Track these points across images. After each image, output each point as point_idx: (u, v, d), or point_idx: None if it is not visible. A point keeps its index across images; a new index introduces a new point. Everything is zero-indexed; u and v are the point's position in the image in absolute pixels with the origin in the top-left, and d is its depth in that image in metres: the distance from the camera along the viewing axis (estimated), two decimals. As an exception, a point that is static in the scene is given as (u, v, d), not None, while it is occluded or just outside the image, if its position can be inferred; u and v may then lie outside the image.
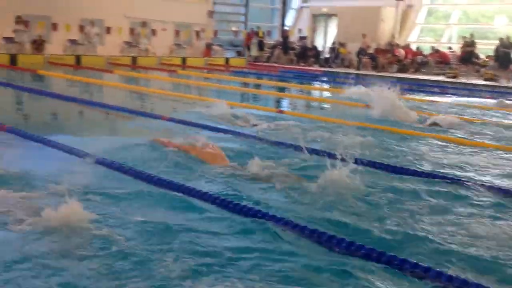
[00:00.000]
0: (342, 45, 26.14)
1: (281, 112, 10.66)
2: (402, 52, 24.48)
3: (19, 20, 21.59)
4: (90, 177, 5.42)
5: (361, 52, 25.16)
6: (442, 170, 6.43)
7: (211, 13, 28.55)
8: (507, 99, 14.63)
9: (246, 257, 3.75)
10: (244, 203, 4.72)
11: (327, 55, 27.40)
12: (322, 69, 25.11)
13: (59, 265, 3.49)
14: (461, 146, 8.11)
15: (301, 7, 31.97)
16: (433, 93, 17.00)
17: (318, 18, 30.15)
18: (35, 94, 12.12)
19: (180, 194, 4.95)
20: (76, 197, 4.23)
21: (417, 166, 6.63)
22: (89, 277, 3.37)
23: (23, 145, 6.84)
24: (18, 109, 11.26)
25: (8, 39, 21.51)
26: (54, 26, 22.16)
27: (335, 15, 28.56)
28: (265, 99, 12.92)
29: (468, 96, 16.74)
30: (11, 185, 4.93)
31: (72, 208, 4.11)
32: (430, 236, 4.28)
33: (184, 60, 25.69)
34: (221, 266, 3.59)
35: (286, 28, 31.02)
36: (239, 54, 29.78)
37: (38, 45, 22.07)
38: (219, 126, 8.39)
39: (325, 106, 12.41)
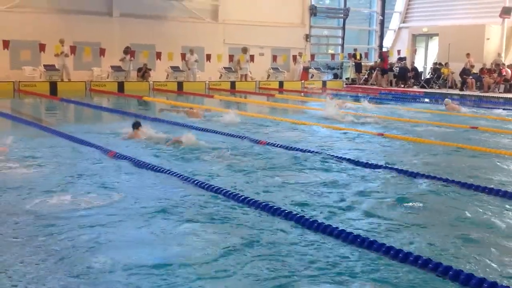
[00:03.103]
0: (444, 65, 25.22)
1: (382, 135, 10.38)
2: (509, 71, 23.21)
3: (126, 50, 22.82)
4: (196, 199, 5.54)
5: (465, 72, 24.13)
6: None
7: (307, 37, 28.68)
8: None
9: None
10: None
11: (428, 76, 26.56)
12: (423, 90, 24.34)
13: None
14: None
15: (400, 28, 31.33)
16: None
17: (418, 38, 29.36)
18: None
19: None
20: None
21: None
22: None
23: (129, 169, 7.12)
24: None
25: (116, 68, 22.79)
26: (158, 55, 23.21)
27: (436, 34, 27.68)
28: (365, 122, 12.66)
29: None
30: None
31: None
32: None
33: (281, 84, 25.92)
34: None
35: (384, 49, 30.48)
36: (336, 76, 29.61)
37: (143, 73, 23.18)
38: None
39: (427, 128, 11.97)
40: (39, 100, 18.68)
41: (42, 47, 21.13)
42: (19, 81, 20.66)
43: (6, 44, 20.49)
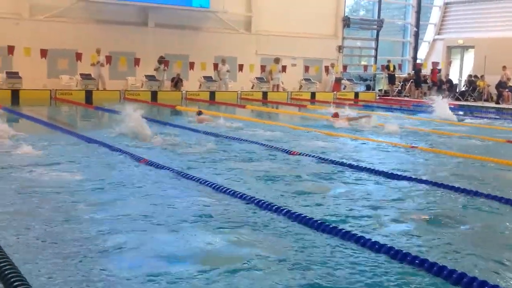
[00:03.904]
0: (480, 77, 24.83)
1: (415, 148, 10.25)
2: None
3: (161, 59, 23.14)
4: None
5: (501, 85, 23.72)
6: None
7: (340, 48, 28.59)
8: None
9: None
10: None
11: (463, 89, 26.18)
12: (458, 103, 23.98)
13: None
14: None
15: (435, 40, 30.99)
16: None
17: (453, 50, 28.99)
18: (173, 128, 12.76)
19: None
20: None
21: None
22: None
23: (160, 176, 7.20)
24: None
25: (150, 77, 23.10)
26: (191, 65, 23.47)
27: (472, 46, 27.30)
28: (397, 134, 12.54)
29: None
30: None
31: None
32: None
33: (313, 94, 25.87)
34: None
35: (418, 61, 30.17)
36: (369, 88, 29.42)
37: (176, 82, 23.46)
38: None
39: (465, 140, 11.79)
40: (74, 108, 19.05)
41: (78, 56, 21.57)
42: (56, 90, 21.13)
43: (44, 53, 20.98)
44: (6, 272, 3.36)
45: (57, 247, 4.42)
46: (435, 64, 27.54)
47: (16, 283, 3.22)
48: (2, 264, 3.48)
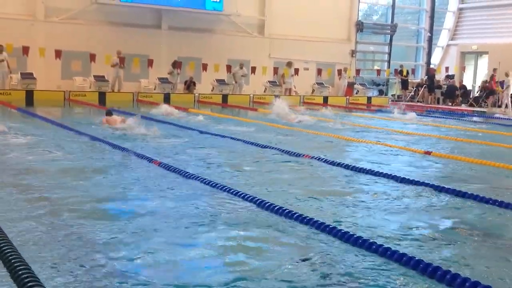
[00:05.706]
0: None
1: (429, 153, 10.18)
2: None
3: (175, 63, 23.21)
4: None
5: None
6: None
7: (353, 52, 28.52)
8: None
9: None
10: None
11: (477, 95, 25.99)
12: (472, 109, 23.81)
13: None
14: None
15: (448, 45, 30.79)
16: None
17: (467, 56, 28.80)
18: (185, 130, 12.78)
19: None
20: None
21: None
22: None
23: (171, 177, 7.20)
24: (169, 145, 11.92)
25: (163, 80, 23.18)
26: (204, 67, 23.51)
27: (486, 52, 27.10)
28: (411, 139, 12.47)
29: None
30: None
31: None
32: None
33: (326, 99, 25.82)
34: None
35: (432, 66, 30.00)
36: (381, 93, 29.31)
37: (188, 85, 23.51)
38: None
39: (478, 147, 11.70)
40: (88, 110, 19.14)
41: (92, 58, 21.68)
42: (70, 91, 21.25)
43: (58, 54, 21.12)
44: (18, 269, 3.37)
45: (64, 244, 4.43)
46: (494, 70, 24.44)
47: (28, 280, 3.23)
48: (13, 261, 3.49)
